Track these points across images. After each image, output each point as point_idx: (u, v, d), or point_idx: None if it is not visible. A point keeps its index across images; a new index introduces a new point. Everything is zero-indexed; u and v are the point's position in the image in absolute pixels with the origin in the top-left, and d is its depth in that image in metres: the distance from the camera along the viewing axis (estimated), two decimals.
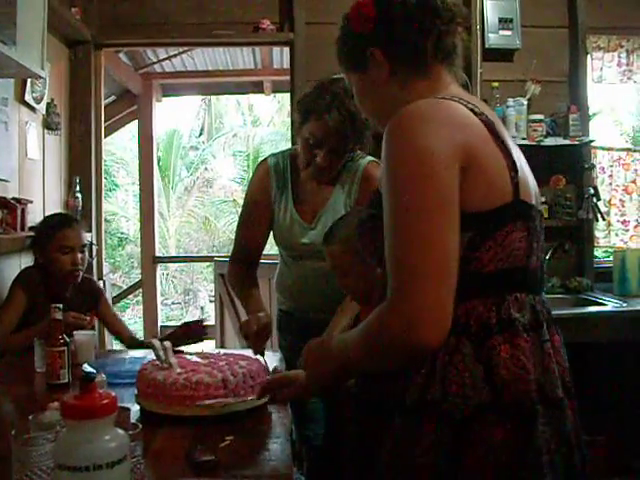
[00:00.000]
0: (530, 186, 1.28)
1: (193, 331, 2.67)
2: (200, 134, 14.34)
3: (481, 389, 1.16)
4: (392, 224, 1.17)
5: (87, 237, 2.93)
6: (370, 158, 2.38)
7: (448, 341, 1.15)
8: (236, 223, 2.57)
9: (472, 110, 1.24)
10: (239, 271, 2.48)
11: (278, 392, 1.60)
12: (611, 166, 4.22)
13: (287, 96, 5.34)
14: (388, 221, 1.18)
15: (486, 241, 1.19)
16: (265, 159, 2.49)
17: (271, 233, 2.47)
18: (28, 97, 3.23)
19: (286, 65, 4.68)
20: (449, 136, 1.17)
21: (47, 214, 3.40)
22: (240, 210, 2.54)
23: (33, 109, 3.33)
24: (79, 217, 3.28)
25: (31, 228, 3.13)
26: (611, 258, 4.03)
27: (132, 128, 7.64)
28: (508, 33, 3.91)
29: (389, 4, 1.33)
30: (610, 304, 3.52)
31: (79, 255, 2.77)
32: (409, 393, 1.20)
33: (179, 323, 3.09)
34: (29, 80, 3.17)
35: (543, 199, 3.82)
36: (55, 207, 3.60)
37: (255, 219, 2.44)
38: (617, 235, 4.25)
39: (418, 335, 1.09)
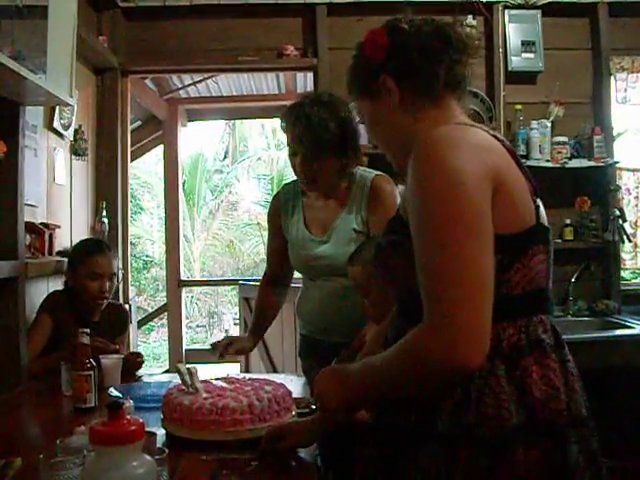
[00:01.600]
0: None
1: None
2: (224, 158, 14.45)
3: (515, 411, 1.16)
4: (426, 248, 1.17)
5: (117, 265, 2.97)
6: (377, 172, 2.43)
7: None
8: (261, 246, 2.75)
9: (494, 136, 1.27)
10: (263, 292, 2.68)
11: (276, 445, 1.59)
12: (637, 187, 4.19)
13: None
14: (421, 245, 1.18)
15: (514, 263, 1.21)
16: (279, 189, 2.65)
17: None
18: (56, 124, 3.29)
19: (309, 90, 4.72)
20: (479, 159, 1.19)
21: (78, 239, 3.45)
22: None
23: (61, 135, 3.39)
24: (107, 241, 3.29)
25: (59, 252, 3.17)
26: (638, 280, 3.98)
27: (157, 152, 7.73)
28: (531, 56, 3.92)
29: (402, 33, 1.36)
30: (638, 327, 3.47)
31: (107, 283, 2.80)
32: (441, 419, 1.19)
33: (204, 346, 3.13)
34: (57, 107, 3.23)
35: (568, 221, 3.81)
36: (82, 231, 3.64)
37: (277, 246, 2.58)
38: None
39: (461, 357, 1.09)
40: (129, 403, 1.84)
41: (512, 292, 1.22)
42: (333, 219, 2.40)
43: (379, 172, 2.43)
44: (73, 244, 3.19)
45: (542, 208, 1.28)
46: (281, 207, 2.54)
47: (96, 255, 2.81)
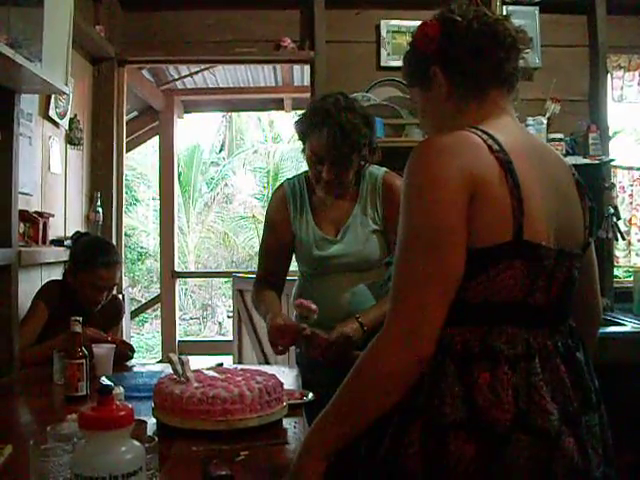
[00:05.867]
0: (548, 227, 1.29)
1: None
2: (221, 150, 14.45)
3: (458, 408, 1.21)
4: (402, 243, 1.26)
5: (120, 275, 2.90)
6: (385, 169, 2.42)
7: (435, 358, 1.23)
8: (255, 239, 2.62)
9: (490, 147, 1.26)
10: (262, 290, 2.47)
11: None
12: (631, 185, 4.20)
13: None
14: (399, 239, 1.26)
15: (478, 275, 1.23)
16: (282, 184, 2.53)
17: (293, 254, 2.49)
18: (52, 112, 3.28)
19: (306, 82, 4.72)
20: (461, 168, 1.22)
21: (72, 228, 3.44)
22: (261, 236, 2.57)
23: (56, 124, 3.38)
24: (116, 249, 3.07)
25: (53, 241, 3.16)
26: (631, 278, 3.99)
27: (153, 143, 7.72)
28: (528, 52, 3.91)
29: (454, 26, 1.37)
30: (630, 324, 3.49)
31: (106, 293, 2.78)
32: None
33: (197, 338, 3.11)
34: (53, 96, 3.22)
35: None
36: (76, 221, 3.64)
37: (277, 243, 2.46)
38: (638, 255, 4.21)
39: (417, 345, 1.19)
40: (119, 390, 1.84)
41: (472, 300, 1.24)
42: (345, 217, 2.37)
43: (386, 169, 2.42)
44: (72, 235, 3.15)
45: (535, 224, 1.25)
46: (288, 201, 2.43)
47: (102, 268, 2.73)
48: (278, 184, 2.62)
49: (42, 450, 1.26)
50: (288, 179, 2.54)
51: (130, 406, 0.98)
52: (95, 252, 2.80)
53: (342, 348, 2.12)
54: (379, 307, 2.21)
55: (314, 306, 2.19)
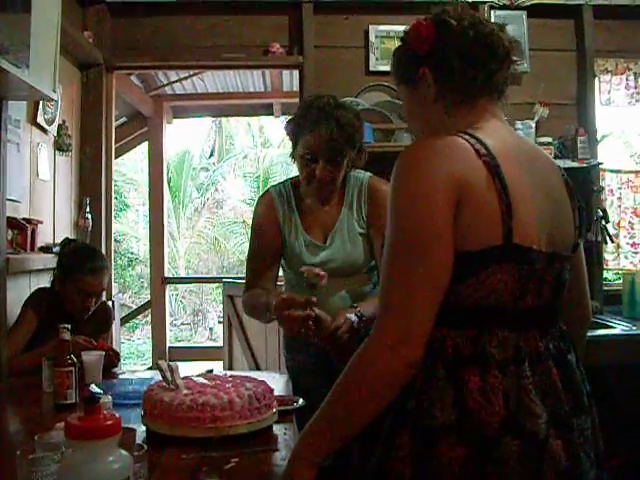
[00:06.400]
0: (539, 230, 1.29)
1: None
2: (211, 155, 14.43)
3: (448, 411, 1.22)
4: (389, 246, 1.26)
5: (107, 280, 2.89)
6: (369, 174, 2.42)
7: (425, 361, 1.22)
8: (246, 244, 2.59)
9: (477, 151, 1.26)
10: (254, 291, 2.37)
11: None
12: (620, 188, 4.22)
13: None
14: (387, 242, 1.26)
15: (467, 278, 1.24)
16: (267, 190, 2.50)
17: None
18: (40, 119, 3.27)
19: (295, 88, 4.74)
20: (447, 172, 1.22)
21: (61, 235, 3.42)
22: (249, 243, 2.51)
23: (45, 131, 3.37)
24: (103, 255, 3.06)
25: (41, 248, 3.15)
26: (620, 281, 4.01)
27: (143, 149, 7.70)
28: (521, 63, 3.93)
29: (448, 29, 1.36)
30: (619, 327, 3.50)
31: (93, 299, 2.77)
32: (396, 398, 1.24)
33: (188, 344, 3.09)
34: (41, 102, 3.21)
35: None
36: (65, 228, 3.63)
37: (266, 248, 2.41)
38: (626, 258, 4.23)
39: (406, 349, 1.18)
40: (107, 398, 1.83)
41: (462, 303, 1.25)
42: (333, 222, 2.36)
43: (369, 173, 2.42)
44: (61, 242, 3.12)
45: (525, 227, 1.25)
46: (276, 206, 2.39)
47: (89, 274, 2.72)
48: (263, 192, 2.59)
49: (30, 460, 1.25)
50: (273, 186, 2.51)
51: (117, 415, 0.98)
52: (81, 258, 2.79)
53: (346, 335, 2.10)
54: (373, 300, 2.19)
55: (322, 272, 2.16)
